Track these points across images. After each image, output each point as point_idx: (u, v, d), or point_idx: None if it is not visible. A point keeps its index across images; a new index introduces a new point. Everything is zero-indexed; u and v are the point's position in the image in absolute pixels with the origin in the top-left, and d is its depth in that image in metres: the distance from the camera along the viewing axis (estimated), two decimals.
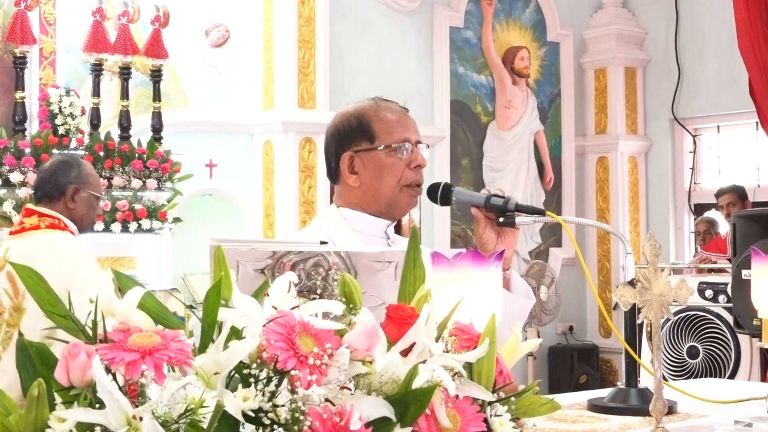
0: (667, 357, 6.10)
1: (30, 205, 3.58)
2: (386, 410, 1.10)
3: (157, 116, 6.17)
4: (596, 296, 6.56)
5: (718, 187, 7.61)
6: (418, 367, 1.13)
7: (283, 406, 1.03)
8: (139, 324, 1.08)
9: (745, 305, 3.72)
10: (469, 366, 1.22)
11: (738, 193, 7.25)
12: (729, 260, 5.64)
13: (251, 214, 6.76)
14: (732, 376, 5.85)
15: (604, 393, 2.30)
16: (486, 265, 1.55)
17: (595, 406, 2.22)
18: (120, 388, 1.00)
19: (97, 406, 1.01)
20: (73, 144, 5.79)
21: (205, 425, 1.01)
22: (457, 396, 1.17)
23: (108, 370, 1.01)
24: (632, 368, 2.24)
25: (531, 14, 8.38)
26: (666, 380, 2.23)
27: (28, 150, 5.59)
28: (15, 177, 5.49)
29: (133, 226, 5.81)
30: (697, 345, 6.09)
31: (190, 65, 6.68)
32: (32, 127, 5.81)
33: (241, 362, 1.05)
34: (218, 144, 6.66)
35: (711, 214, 8.22)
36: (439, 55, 7.79)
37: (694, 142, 8.65)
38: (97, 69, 5.96)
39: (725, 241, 6.94)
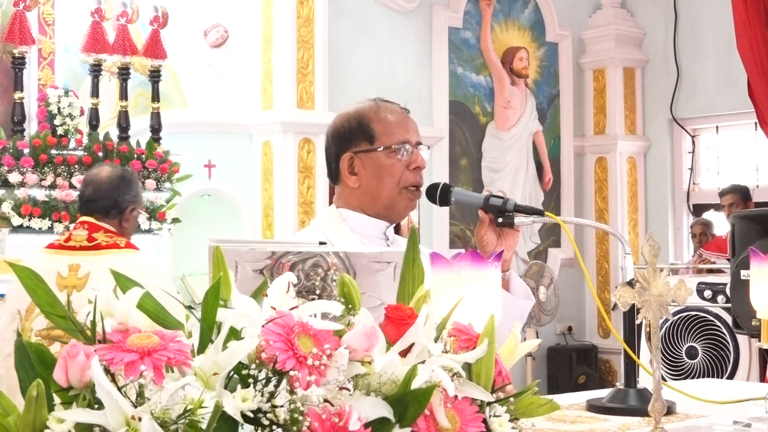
0: (665, 357, 6.10)
1: (89, 219, 3.40)
2: (385, 411, 1.10)
3: (155, 117, 6.16)
4: (595, 297, 6.54)
5: (718, 187, 7.60)
6: (416, 367, 1.13)
7: (281, 406, 1.03)
8: (138, 324, 1.08)
9: (744, 306, 3.72)
10: (468, 366, 1.22)
11: (741, 194, 7.22)
12: (728, 260, 5.64)
13: (250, 215, 6.76)
14: (731, 377, 5.85)
15: (603, 393, 2.30)
16: (485, 265, 1.55)
17: (594, 407, 2.22)
18: (119, 389, 1.00)
19: (96, 406, 1.01)
20: (72, 145, 5.78)
21: (204, 426, 1.01)
22: (456, 396, 1.17)
23: (107, 370, 1.01)
24: (631, 368, 2.24)
25: (530, 15, 8.38)
26: (665, 380, 2.23)
27: (26, 150, 5.58)
28: (14, 177, 5.48)
29: None
30: (695, 345, 6.09)
31: (189, 66, 6.68)
32: (31, 127, 5.81)
33: (240, 363, 1.05)
34: (217, 144, 6.66)
35: (709, 215, 8.22)
36: (437, 55, 7.79)
37: (693, 143, 8.65)
38: (96, 69, 5.95)
39: (726, 241, 6.94)
